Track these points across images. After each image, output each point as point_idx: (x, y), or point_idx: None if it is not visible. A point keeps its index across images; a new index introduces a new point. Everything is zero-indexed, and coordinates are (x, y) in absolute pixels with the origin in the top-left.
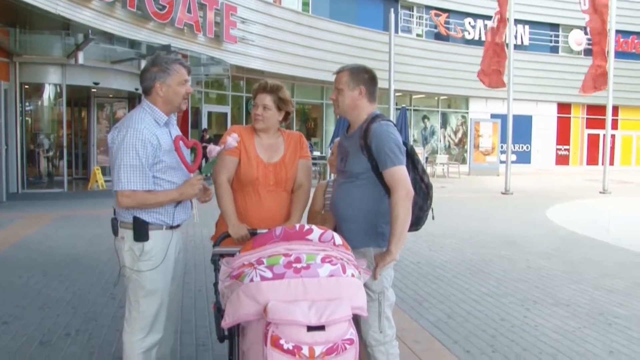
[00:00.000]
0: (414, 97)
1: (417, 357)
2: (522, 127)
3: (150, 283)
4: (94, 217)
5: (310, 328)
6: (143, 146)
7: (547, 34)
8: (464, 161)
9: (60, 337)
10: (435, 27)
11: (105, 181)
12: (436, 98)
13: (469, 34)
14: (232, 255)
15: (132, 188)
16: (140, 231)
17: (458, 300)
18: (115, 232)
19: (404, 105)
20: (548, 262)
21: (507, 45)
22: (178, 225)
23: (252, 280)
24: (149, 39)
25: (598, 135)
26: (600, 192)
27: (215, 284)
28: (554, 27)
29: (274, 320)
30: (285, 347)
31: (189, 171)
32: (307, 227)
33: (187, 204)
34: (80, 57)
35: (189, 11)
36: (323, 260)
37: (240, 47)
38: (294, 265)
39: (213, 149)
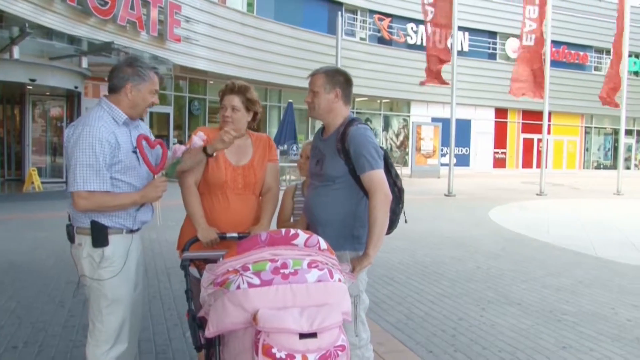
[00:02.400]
0: (356, 99)
1: (382, 359)
2: (462, 131)
3: (113, 291)
4: (33, 221)
5: (302, 335)
6: (100, 145)
7: (485, 41)
8: (405, 164)
9: (7, 349)
10: (379, 31)
11: (43, 183)
12: (378, 101)
13: (412, 38)
14: (203, 260)
15: (88, 189)
16: (99, 236)
17: (415, 302)
18: (71, 239)
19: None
20: (496, 262)
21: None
22: (138, 229)
23: (238, 287)
24: (90, 35)
25: (532, 139)
26: (537, 194)
27: (187, 291)
28: (492, 34)
29: (265, 329)
30: (277, 356)
31: (152, 172)
32: (292, 231)
33: (148, 206)
34: (16, 52)
35: (132, 8)
36: (309, 265)
37: (185, 46)
38: (281, 271)
39: (178, 149)
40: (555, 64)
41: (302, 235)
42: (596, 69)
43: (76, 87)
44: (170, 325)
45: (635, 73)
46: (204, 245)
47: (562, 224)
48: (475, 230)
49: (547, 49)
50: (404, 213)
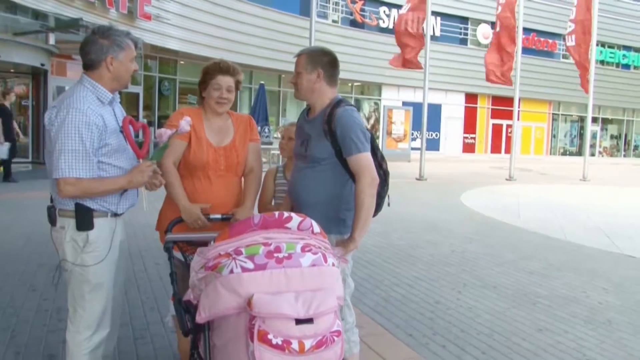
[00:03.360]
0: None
1: (363, 342)
2: (432, 116)
3: (96, 276)
4: None
5: (298, 321)
6: (88, 129)
7: (457, 27)
8: None
9: None
10: (351, 14)
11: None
12: (350, 84)
13: (384, 22)
14: (187, 242)
15: (75, 175)
16: (84, 219)
17: (392, 285)
18: (52, 221)
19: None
20: (470, 246)
21: (424, 35)
22: (123, 213)
23: (232, 271)
24: (57, 11)
25: (501, 125)
26: (507, 179)
27: (172, 274)
28: (464, 20)
29: (261, 314)
30: (274, 342)
31: (137, 157)
32: (286, 214)
33: (133, 190)
34: None
35: None
36: (303, 249)
37: (155, 25)
38: (275, 255)
39: (164, 133)
40: (525, 51)
41: (296, 219)
42: (564, 56)
43: (42, 65)
44: (147, 309)
45: (602, 62)
46: (189, 226)
47: (532, 209)
48: (447, 214)
49: (519, 36)
50: (388, 196)
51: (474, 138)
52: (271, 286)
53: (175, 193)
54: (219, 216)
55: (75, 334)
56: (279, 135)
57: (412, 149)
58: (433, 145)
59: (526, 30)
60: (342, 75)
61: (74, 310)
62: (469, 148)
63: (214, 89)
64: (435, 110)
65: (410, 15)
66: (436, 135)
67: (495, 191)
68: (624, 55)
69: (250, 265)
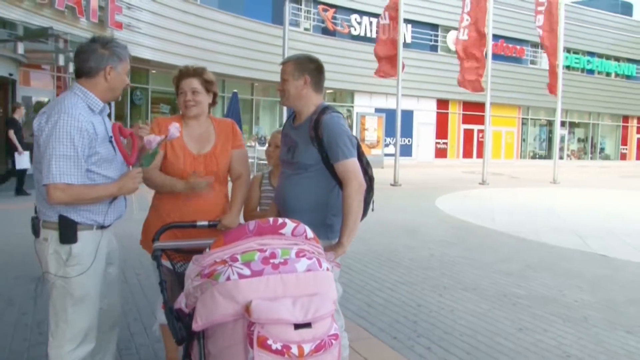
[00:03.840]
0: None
1: (349, 346)
2: (405, 122)
3: (80, 289)
4: None
5: (297, 326)
6: (80, 134)
7: (427, 34)
8: None
9: None
10: (323, 22)
11: None
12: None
13: (355, 29)
14: (175, 250)
15: (65, 181)
16: (68, 232)
17: (374, 289)
18: (36, 233)
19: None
20: (448, 249)
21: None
22: (110, 225)
23: (228, 278)
24: (25, 20)
25: (472, 130)
26: (480, 184)
27: (161, 282)
28: (434, 27)
29: (260, 320)
30: (273, 347)
31: (127, 163)
32: (280, 220)
33: (120, 201)
34: None
35: None
36: (297, 254)
37: (126, 34)
38: (270, 261)
39: (153, 140)
40: (494, 57)
41: (290, 224)
42: (532, 62)
43: (11, 75)
44: (130, 320)
45: (567, 67)
46: (195, 190)
47: (506, 212)
48: (424, 218)
49: (489, 43)
50: (373, 201)
51: (446, 143)
52: (268, 292)
53: (161, 181)
54: (205, 223)
55: (57, 348)
56: (267, 143)
57: (386, 155)
58: (406, 151)
59: (495, 37)
60: None
61: (56, 325)
62: (441, 153)
63: (180, 94)
64: (407, 117)
65: (390, 24)
66: (409, 141)
67: (469, 195)
68: (588, 60)
69: (247, 271)
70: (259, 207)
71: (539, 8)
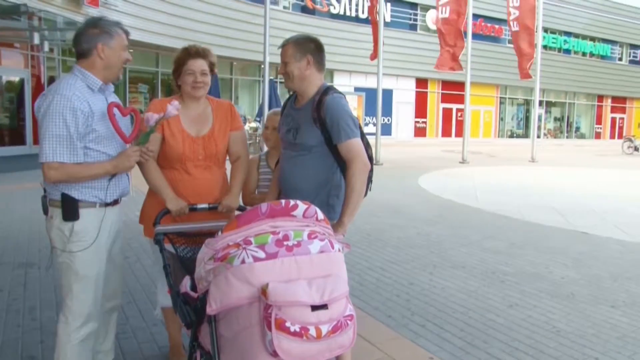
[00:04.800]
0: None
1: None
2: (384, 101)
3: (83, 267)
4: None
5: (314, 307)
6: (72, 114)
7: (407, 12)
8: None
9: None
10: (302, 0)
11: None
12: None
13: (335, 8)
14: (177, 233)
15: (58, 160)
16: (69, 209)
17: (365, 269)
18: (45, 211)
19: (272, 78)
20: (434, 228)
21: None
22: (116, 202)
23: (243, 261)
24: None
25: (451, 109)
26: (460, 162)
27: (165, 267)
28: (413, 5)
29: (277, 303)
30: (292, 329)
31: (124, 141)
32: (292, 202)
33: (122, 177)
34: None
35: None
36: (309, 236)
37: (103, 11)
38: (284, 243)
39: (151, 117)
40: (472, 36)
41: (301, 206)
42: (510, 42)
43: None
44: (124, 303)
45: (544, 47)
46: (174, 216)
47: (488, 190)
48: (408, 198)
49: (469, 22)
50: (371, 181)
51: (425, 122)
52: (282, 274)
53: (158, 185)
54: (205, 206)
55: (64, 324)
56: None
57: (366, 134)
58: (385, 130)
59: (473, 16)
60: None
61: (64, 301)
62: (420, 132)
63: (188, 74)
64: (387, 96)
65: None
66: (388, 120)
67: (451, 174)
68: (565, 40)
69: (261, 254)
70: (257, 190)
71: None
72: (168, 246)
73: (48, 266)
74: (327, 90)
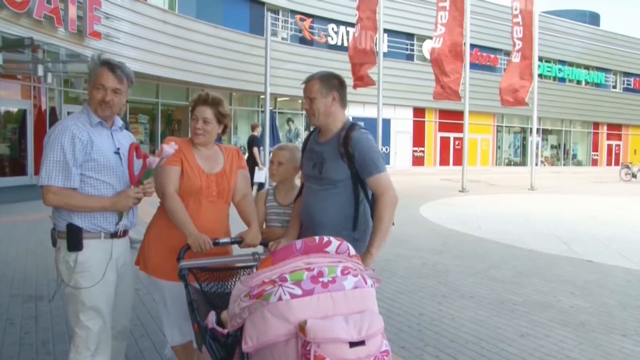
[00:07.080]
0: (278, 99)
1: None
2: (383, 130)
3: (90, 299)
4: None
5: (352, 344)
6: (70, 141)
7: (403, 43)
8: None
9: None
10: (300, 31)
11: None
12: (300, 101)
13: (332, 39)
14: (201, 268)
15: (51, 183)
16: (73, 239)
17: None
18: (54, 243)
19: (271, 108)
20: (440, 257)
21: (376, 52)
22: (125, 233)
23: (280, 298)
24: (2, 29)
25: (449, 137)
26: (460, 191)
27: (191, 302)
28: (410, 36)
29: (316, 340)
30: None
31: (131, 182)
32: (325, 239)
33: (132, 209)
34: None
35: (48, 2)
36: (343, 272)
37: (105, 44)
38: (319, 279)
39: (153, 161)
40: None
41: (334, 242)
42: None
43: None
44: (137, 337)
45: (540, 75)
46: (195, 252)
47: (490, 219)
48: (411, 227)
49: (467, 52)
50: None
51: (423, 151)
52: (319, 311)
53: (183, 220)
54: (228, 240)
55: (75, 354)
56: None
57: None
58: (384, 159)
59: (470, 46)
60: (292, 92)
61: (74, 332)
62: (418, 161)
63: (192, 120)
64: (385, 125)
65: (364, 34)
66: (386, 149)
67: (452, 203)
68: (559, 69)
69: (298, 291)
70: (265, 224)
71: (515, 20)
72: (193, 283)
73: (51, 298)
74: (352, 125)
